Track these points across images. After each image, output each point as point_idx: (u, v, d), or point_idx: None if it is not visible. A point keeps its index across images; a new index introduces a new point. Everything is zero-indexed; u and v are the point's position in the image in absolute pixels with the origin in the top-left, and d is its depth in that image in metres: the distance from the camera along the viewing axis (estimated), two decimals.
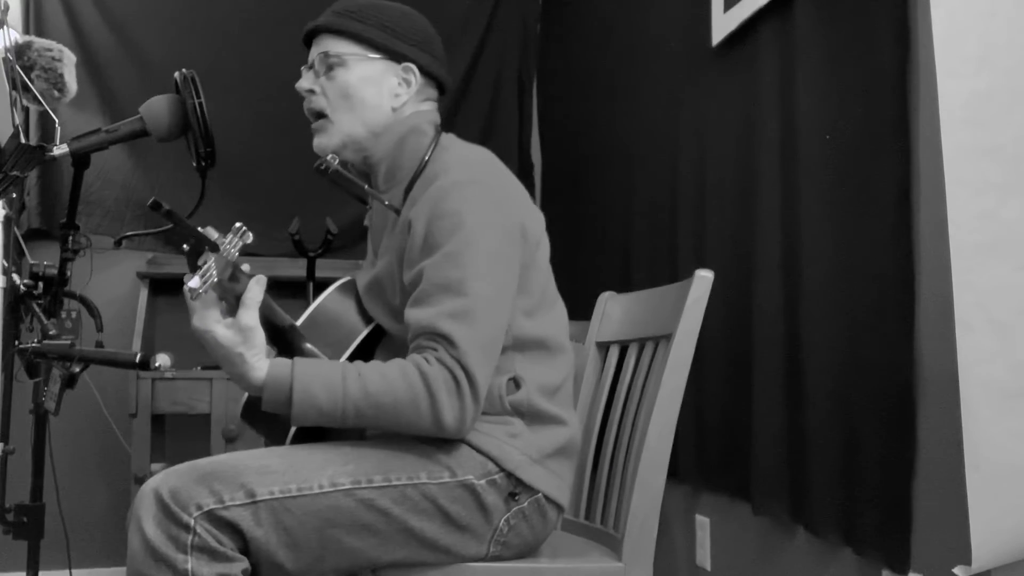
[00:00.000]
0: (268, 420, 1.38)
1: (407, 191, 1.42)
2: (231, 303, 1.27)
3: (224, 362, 1.26)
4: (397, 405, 1.26)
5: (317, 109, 1.47)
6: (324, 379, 1.26)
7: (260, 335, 1.26)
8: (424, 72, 1.49)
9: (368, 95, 1.45)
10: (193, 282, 1.18)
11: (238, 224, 1.22)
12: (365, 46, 1.46)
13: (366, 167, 1.50)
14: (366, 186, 1.46)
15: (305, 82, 1.48)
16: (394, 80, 1.47)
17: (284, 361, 1.28)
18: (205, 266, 1.19)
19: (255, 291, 1.26)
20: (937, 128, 1.40)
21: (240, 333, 1.24)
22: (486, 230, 1.33)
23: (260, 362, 1.26)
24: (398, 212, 1.41)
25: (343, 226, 2.97)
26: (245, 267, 1.27)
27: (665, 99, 2.40)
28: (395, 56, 1.47)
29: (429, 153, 1.43)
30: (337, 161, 1.42)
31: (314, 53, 1.48)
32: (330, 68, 1.45)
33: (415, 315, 1.31)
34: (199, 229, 1.22)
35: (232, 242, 1.21)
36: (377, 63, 1.46)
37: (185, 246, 1.22)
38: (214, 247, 1.21)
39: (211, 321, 1.24)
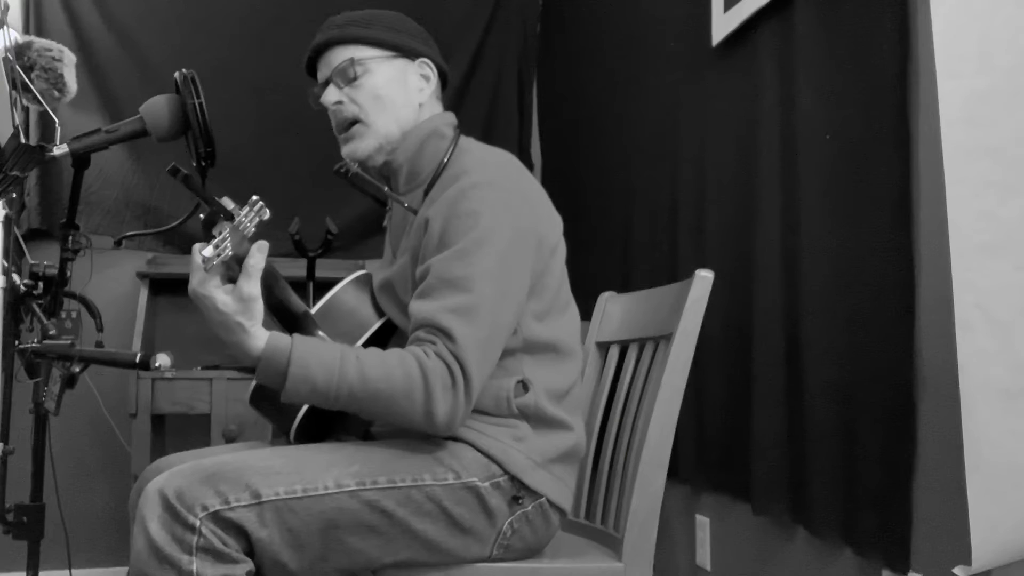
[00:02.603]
0: (275, 406, 1.38)
1: (426, 192, 1.43)
2: (233, 268, 1.23)
3: (220, 328, 1.23)
4: (392, 393, 1.25)
5: (350, 117, 1.46)
6: (322, 356, 1.25)
7: (260, 305, 1.23)
8: (434, 66, 1.51)
9: (397, 94, 1.47)
10: (207, 251, 1.14)
11: (255, 198, 1.18)
12: (381, 48, 1.47)
13: (387, 171, 1.50)
14: (385, 188, 1.46)
15: (331, 95, 1.47)
16: (415, 77, 1.49)
17: (283, 335, 1.26)
18: (220, 236, 1.15)
19: (257, 258, 1.21)
20: (937, 128, 1.40)
21: (240, 302, 1.21)
22: (500, 232, 1.33)
23: (259, 331, 1.23)
24: (416, 212, 1.42)
25: (343, 226, 2.97)
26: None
27: (665, 99, 2.40)
28: (409, 53, 1.49)
29: (448, 156, 1.44)
30: (356, 166, 1.43)
31: (327, 69, 1.48)
32: (354, 77, 1.45)
33: (418, 307, 1.31)
34: (216, 199, 1.19)
35: (248, 216, 1.17)
36: (396, 62, 1.48)
37: (201, 215, 1.19)
38: (229, 216, 1.17)
39: (211, 286, 1.20)
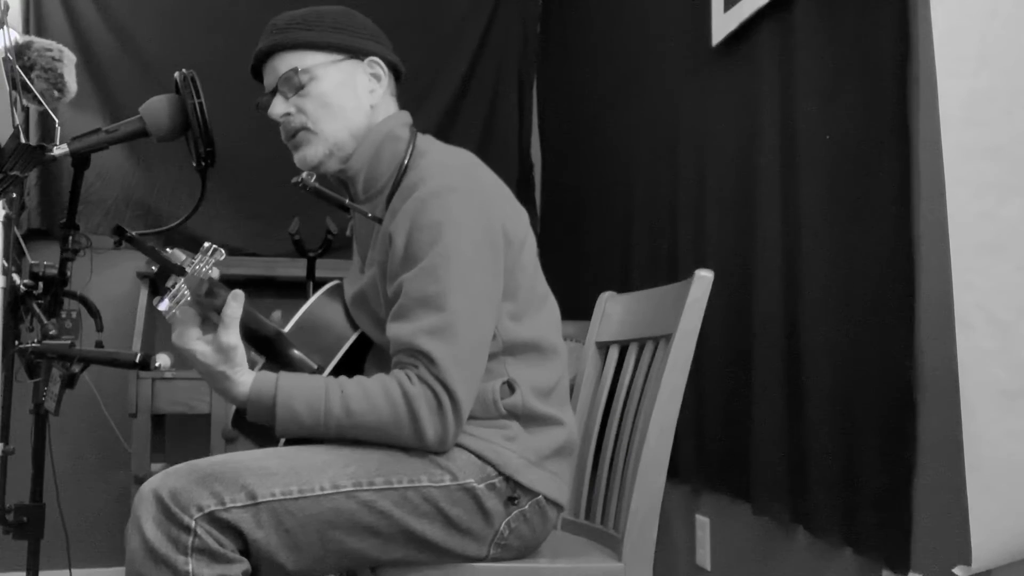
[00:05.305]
0: (259, 428, 1.38)
1: (388, 200, 1.40)
2: (213, 319, 1.25)
3: (206, 376, 1.27)
4: (379, 423, 1.28)
5: (298, 127, 1.42)
6: (306, 397, 1.27)
7: (240, 352, 1.26)
8: (385, 62, 1.47)
9: (346, 99, 1.43)
10: (162, 305, 1.16)
11: (207, 244, 1.20)
12: (326, 51, 1.42)
13: (344, 179, 1.47)
14: (346, 200, 1.44)
15: (278, 108, 1.42)
16: (364, 78, 1.45)
17: (268, 377, 1.28)
18: (175, 287, 1.17)
19: (233, 308, 1.24)
20: (937, 128, 1.40)
21: (220, 352, 1.24)
22: (465, 240, 1.31)
23: (243, 377, 1.27)
24: (380, 221, 1.40)
25: (343, 226, 2.96)
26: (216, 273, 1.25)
27: (665, 99, 2.40)
28: (357, 53, 1.44)
29: (407, 158, 1.41)
30: (313, 178, 1.40)
31: (272, 77, 1.43)
32: (300, 86, 1.41)
33: (395, 330, 1.31)
34: (165, 252, 1.20)
35: (203, 261, 1.19)
36: (344, 65, 1.43)
37: (153, 267, 1.21)
38: (180, 271, 1.19)
39: (191, 339, 1.24)
